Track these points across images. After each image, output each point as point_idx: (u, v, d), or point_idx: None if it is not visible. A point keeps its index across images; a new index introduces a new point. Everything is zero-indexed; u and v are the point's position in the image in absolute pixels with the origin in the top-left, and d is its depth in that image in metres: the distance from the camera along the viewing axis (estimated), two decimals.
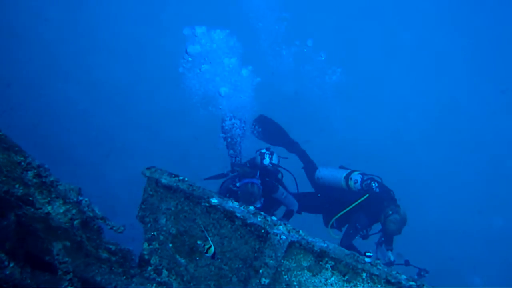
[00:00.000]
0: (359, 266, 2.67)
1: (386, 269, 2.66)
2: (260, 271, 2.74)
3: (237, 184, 5.45)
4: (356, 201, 6.08)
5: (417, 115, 11.09)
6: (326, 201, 6.50)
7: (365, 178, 6.20)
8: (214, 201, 2.80)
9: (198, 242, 2.89)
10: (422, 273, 6.11)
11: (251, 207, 2.85)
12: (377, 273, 2.66)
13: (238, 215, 2.77)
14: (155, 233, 2.92)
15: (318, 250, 2.71)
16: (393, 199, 6.11)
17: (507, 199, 10.39)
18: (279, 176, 6.24)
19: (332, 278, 2.74)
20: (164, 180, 2.87)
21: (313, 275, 2.77)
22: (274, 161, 6.15)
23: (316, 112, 11.11)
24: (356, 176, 6.25)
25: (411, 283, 2.63)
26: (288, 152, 7.22)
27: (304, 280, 2.79)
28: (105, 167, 10.29)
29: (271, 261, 2.72)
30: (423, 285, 2.60)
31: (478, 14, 11.86)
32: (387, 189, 6.23)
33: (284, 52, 10.84)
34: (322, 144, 10.62)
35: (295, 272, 2.80)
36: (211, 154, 10.07)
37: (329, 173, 6.62)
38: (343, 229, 6.31)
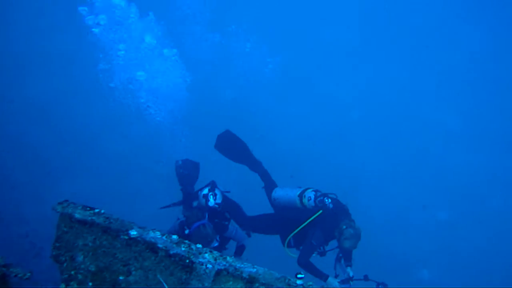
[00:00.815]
0: None
1: None
2: None
3: (186, 231, 5.54)
4: (309, 218, 6.11)
5: (358, 111, 11.12)
6: (282, 220, 6.53)
7: (318, 194, 6.21)
8: (133, 233, 2.63)
9: (120, 278, 2.69)
10: (380, 287, 6.09)
11: (174, 236, 2.70)
12: None
13: (160, 246, 2.61)
14: (72, 272, 2.71)
15: (247, 277, 2.57)
16: (347, 214, 6.12)
17: (449, 194, 10.57)
18: (227, 215, 6.20)
19: None
20: (78, 215, 2.67)
21: None
22: (218, 200, 6.06)
23: (254, 117, 11.01)
24: (310, 194, 6.24)
25: None
26: (250, 170, 7.22)
27: None
28: (43, 189, 9.83)
29: None
30: None
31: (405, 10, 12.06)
32: (342, 205, 6.24)
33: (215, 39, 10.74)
34: (264, 151, 10.51)
35: None
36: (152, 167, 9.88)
37: (283, 193, 6.60)
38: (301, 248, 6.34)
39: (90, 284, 2.72)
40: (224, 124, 10.15)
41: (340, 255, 6.33)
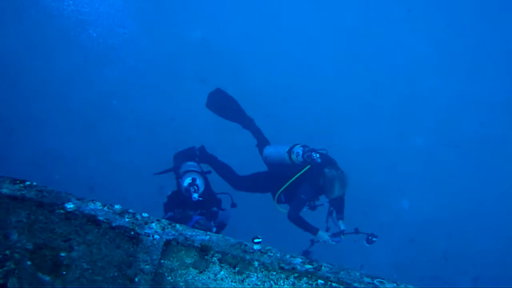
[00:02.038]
0: (247, 257, 2.32)
1: (278, 255, 2.35)
2: (136, 279, 2.34)
3: None
4: (298, 173, 6.21)
5: (327, 46, 10.73)
6: (272, 177, 6.63)
7: (306, 150, 6.32)
8: (70, 206, 2.35)
9: (62, 254, 2.44)
10: (370, 238, 6.14)
11: (117, 206, 2.44)
12: (268, 261, 2.33)
13: (101, 218, 2.35)
14: (7, 252, 2.44)
15: (199, 245, 2.35)
16: (334, 165, 6.16)
17: (424, 119, 10.41)
18: (214, 200, 6.26)
19: (222, 272, 2.38)
20: (6, 189, 2.38)
21: (200, 272, 2.39)
22: (201, 189, 5.99)
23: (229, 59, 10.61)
24: (297, 149, 6.38)
25: (307, 266, 2.33)
26: (242, 127, 7.37)
27: (191, 279, 2.42)
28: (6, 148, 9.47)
29: (147, 266, 2.34)
30: (321, 266, 2.32)
31: None
32: (330, 158, 6.30)
33: None
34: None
35: (179, 272, 2.42)
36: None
37: (274, 150, 6.75)
38: None
39: (29, 263, 2.47)
40: (192, 64, 9.81)
41: (331, 208, 6.44)
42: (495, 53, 11.07)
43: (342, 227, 6.26)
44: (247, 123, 7.35)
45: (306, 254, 6.43)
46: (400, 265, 9.44)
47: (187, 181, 6.11)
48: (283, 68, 10.01)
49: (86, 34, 9.77)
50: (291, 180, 6.30)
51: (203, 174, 6.32)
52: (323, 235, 6.27)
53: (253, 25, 10.49)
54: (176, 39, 9.90)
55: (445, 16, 11.10)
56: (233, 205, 6.45)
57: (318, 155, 6.19)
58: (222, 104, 7.49)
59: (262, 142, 7.15)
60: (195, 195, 5.90)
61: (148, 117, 9.43)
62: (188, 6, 10.09)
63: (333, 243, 6.18)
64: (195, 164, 6.66)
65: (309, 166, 6.21)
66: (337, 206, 6.52)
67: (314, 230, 6.27)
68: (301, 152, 6.37)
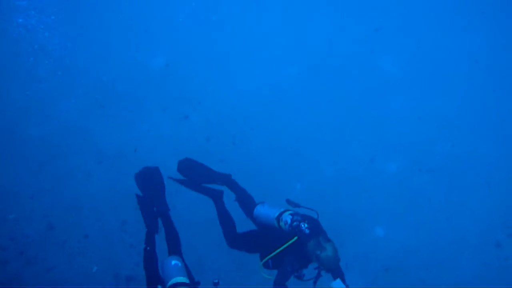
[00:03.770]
0: None
1: None
2: None
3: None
4: (284, 244, 6.18)
5: (294, 68, 10.47)
6: (262, 240, 6.70)
7: (294, 218, 6.22)
8: None
9: None
10: None
11: None
12: None
13: None
14: None
15: None
16: (322, 235, 6.12)
17: (396, 145, 10.22)
18: None
19: None
20: None
21: None
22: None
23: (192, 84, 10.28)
24: (286, 217, 6.33)
25: None
26: (219, 185, 7.65)
27: None
28: None
29: None
30: None
31: None
32: (319, 229, 6.28)
33: None
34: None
35: None
36: None
37: (263, 212, 6.76)
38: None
39: None
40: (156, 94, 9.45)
41: (321, 273, 6.29)
42: (464, 72, 10.97)
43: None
44: (224, 179, 7.57)
45: None
46: None
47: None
48: (249, 94, 9.74)
49: (43, 64, 9.38)
50: (277, 251, 6.21)
51: None
52: None
53: (220, 51, 10.20)
54: (137, 66, 9.55)
55: (414, 35, 10.97)
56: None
57: (306, 225, 6.06)
58: (195, 172, 7.76)
59: (244, 198, 7.26)
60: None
61: (109, 149, 9.03)
62: (151, 32, 9.76)
63: None
64: None
65: (296, 238, 6.09)
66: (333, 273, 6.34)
67: None
68: (289, 221, 6.23)
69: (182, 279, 5.73)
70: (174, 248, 6.71)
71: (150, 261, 6.53)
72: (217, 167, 8.08)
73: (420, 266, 9.58)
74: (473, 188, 10.38)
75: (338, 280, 6.12)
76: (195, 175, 7.75)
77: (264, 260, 6.44)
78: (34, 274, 8.16)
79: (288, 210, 6.54)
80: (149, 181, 7.55)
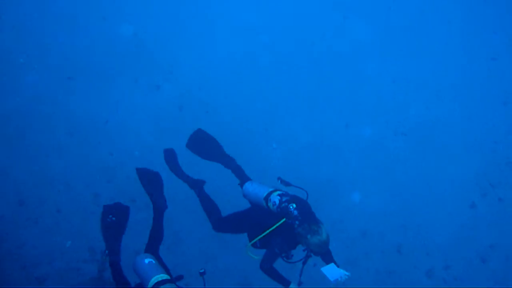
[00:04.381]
0: None
1: None
2: None
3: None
4: (272, 226, 6.01)
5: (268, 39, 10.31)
6: (250, 220, 6.56)
7: (283, 199, 6.08)
8: None
9: None
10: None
11: None
12: None
13: None
14: None
15: None
16: (312, 218, 5.99)
17: (371, 109, 10.18)
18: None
19: None
20: None
21: None
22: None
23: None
24: (275, 198, 6.19)
25: None
26: (224, 167, 7.47)
27: None
28: None
29: None
30: None
31: None
32: (308, 209, 6.15)
33: None
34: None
35: None
36: None
37: (252, 191, 6.64)
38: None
39: None
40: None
41: (308, 256, 6.19)
42: (438, 34, 10.92)
43: (343, 274, 5.97)
44: (226, 161, 7.39)
45: None
46: (354, 260, 9.21)
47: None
48: (221, 63, 9.58)
49: (7, 35, 9.10)
50: (265, 233, 6.06)
51: None
52: None
53: (190, 18, 9.98)
54: (105, 36, 9.31)
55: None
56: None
57: (294, 206, 5.95)
58: (203, 144, 7.60)
59: (244, 179, 7.05)
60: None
61: (80, 121, 8.83)
62: (118, 0, 9.49)
63: None
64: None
65: (284, 220, 5.95)
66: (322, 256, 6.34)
67: (286, 283, 6.12)
68: (277, 202, 6.10)
69: (163, 276, 5.49)
70: (154, 246, 6.49)
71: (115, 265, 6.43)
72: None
73: (397, 230, 9.62)
74: (447, 150, 10.40)
75: (330, 266, 6.04)
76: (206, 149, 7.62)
77: (252, 242, 6.33)
78: (6, 250, 7.98)
79: (277, 190, 6.42)
80: (147, 177, 7.33)
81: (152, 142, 8.91)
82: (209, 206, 7.06)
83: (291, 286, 6.15)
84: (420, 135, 10.44)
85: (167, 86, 9.67)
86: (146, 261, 5.75)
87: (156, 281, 5.38)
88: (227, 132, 8.97)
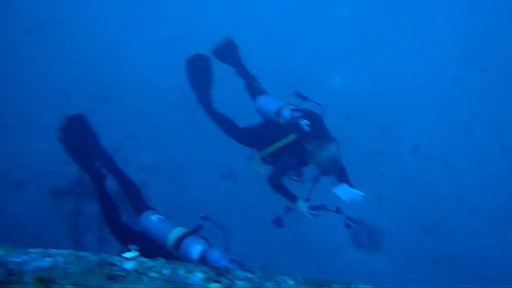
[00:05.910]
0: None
1: (166, 272, 1.55)
2: None
3: None
4: (281, 140, 5.77)
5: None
6: (260, 133, 6.22)
7: (295, 115, 5.78)
8: None
9: None
10: (349, 223, 5.59)
11: None
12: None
13: None
14: None
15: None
16: (325, 136, 5.69)
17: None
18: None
19: None
20: None
21: None
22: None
23: None
24: (285, 113, 5.91)
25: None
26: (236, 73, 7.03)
27: None
28: None
29: None
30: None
31: None
32: (321, 125, 5.84)
33: None
34: None
35: None
36: None
37: (263, 105, 6.29)
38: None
39: None
40: None
41: (319, 175, 5.93)
42: None
43: (355, 194, 5.65)
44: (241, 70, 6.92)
45: (277, 221, 5.81)
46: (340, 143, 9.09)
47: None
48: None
49: None
50: (273, 147, 5.84)
51: None
52: (301, 205, 5.69)
53: None
54: None
55: None
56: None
57: (307, 122, 5.61)
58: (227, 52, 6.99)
59: (255, 89, 6.59)
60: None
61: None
62: None
63: (310, 216, 5.60)
64: None
65: (295, 136, 5.66)
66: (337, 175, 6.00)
67: (293, 198, 5.74)
68: (288, 117, 5.84)
69: (181, 229, 4.76)
70: (140, 203, 5.45)
71: (111, 210, 5.39)
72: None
73: (381, 110, 9.41)
74: (427, 24, 10.02)
75: (343, 186, 5.73)
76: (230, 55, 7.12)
77: (261, 155, 6.06)
78: None
79: (289, 104, 6.07)
80: (77, 132, 5.79)
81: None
82: (223, 120, 6.49)
83: (298, 201, 5.78)
84: (402, 9, 9.97)
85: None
86: (153, 218, 5.03)
87: (176, 236, 4.62)
88: None
